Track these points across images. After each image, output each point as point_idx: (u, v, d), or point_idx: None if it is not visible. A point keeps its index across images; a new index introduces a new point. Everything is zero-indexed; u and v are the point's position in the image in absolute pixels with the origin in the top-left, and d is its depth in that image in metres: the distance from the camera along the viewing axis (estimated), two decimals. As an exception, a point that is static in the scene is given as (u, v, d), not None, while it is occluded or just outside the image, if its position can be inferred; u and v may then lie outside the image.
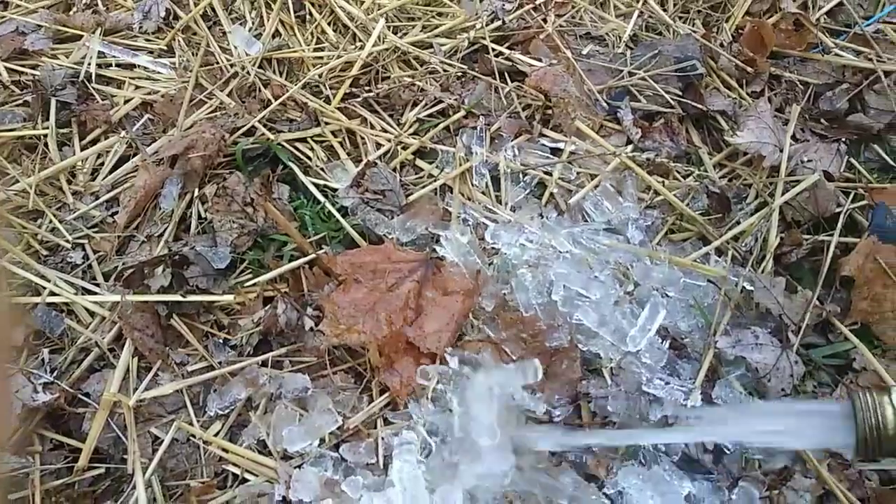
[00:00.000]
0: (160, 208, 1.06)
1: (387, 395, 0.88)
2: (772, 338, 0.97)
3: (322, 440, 0.87)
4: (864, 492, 0.91)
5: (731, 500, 0.88)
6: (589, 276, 1.03)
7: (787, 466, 0.93)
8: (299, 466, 0.84)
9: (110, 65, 1.27)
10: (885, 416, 0.65)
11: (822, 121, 1.25)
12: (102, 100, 1.21)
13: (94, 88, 1.22)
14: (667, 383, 0.94)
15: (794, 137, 1.21)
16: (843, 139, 1.22)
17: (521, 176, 1.15)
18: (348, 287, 0.89)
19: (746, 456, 0.93)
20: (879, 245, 1.03)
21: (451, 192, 1.10)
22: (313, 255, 0.97)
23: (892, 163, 1.22)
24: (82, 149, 1.15)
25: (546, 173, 1.15)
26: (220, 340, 0.93)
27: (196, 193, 1.06)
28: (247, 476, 0.84)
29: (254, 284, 0.96)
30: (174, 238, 1.03)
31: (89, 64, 1.24)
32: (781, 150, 1.17)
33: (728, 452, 0.93)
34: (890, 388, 0.67)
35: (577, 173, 1.15)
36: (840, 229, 1.09)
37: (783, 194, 1.11)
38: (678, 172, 1.16)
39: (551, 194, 1.14)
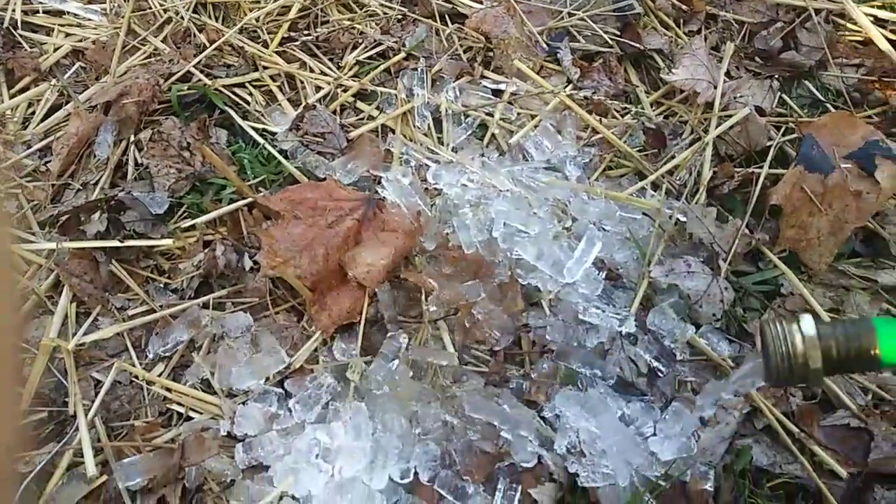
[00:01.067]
0: (95, 156, 1.04)
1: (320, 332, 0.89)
2: (703, 266, 1.01)
3: (266, 378, 0.88)
4: (789, 406, 0.96)
5: (664, 419, 0.92)
6: (528, 212, 1.05)
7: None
8: (244, 403, 0.85)
9: (37, 11, 1.22)
10: (794, 343, 0.67)
11: (757, 59, 1.28)
12: (31, 47, 1.17)
13: (20, 36, 1.17)
14: (603, 311, 0.97)
15: (728, 75, 1.23)
16: (776, 76, 1.26)
17: (462, 117, 1.15)
18: (287, 222, 0.89)
19: (680, 378, 0.98)
20: (806, 174, 1.07)
21: (393, 134, 1.10)
22: (252, 199, 0.97)
23: (821, 98, 1.26)
24: (11, 97, 1.12)
25: (487, 114, 1.15)
26: (161, 285, 0.93)
27: (131, 140, 1.04)
28: (191, 414, 0.85)
29: (192, 227, 0.96)
30: (110, 185, 1.01)
31: (14, 10, 1.19)
32: (715, 87, 1.20)
33: (661, 376, 0.97)
34: (799, 316, 0.69)
35: (518, 114, 1.17)
36: (770, 161, 1.13)
37: (716, 129, 1.15)
38: (616, 111, 1.18)
39: (492, 135, 1.15)
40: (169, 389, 0.85)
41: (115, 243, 0.92)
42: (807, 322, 0.68)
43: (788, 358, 0.68)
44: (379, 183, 1.05)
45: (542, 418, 0.91)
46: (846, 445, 0.94)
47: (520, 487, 0.86)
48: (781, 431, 0.93)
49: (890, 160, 1.11)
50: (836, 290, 1.07)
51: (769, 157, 1.13)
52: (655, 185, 1.11)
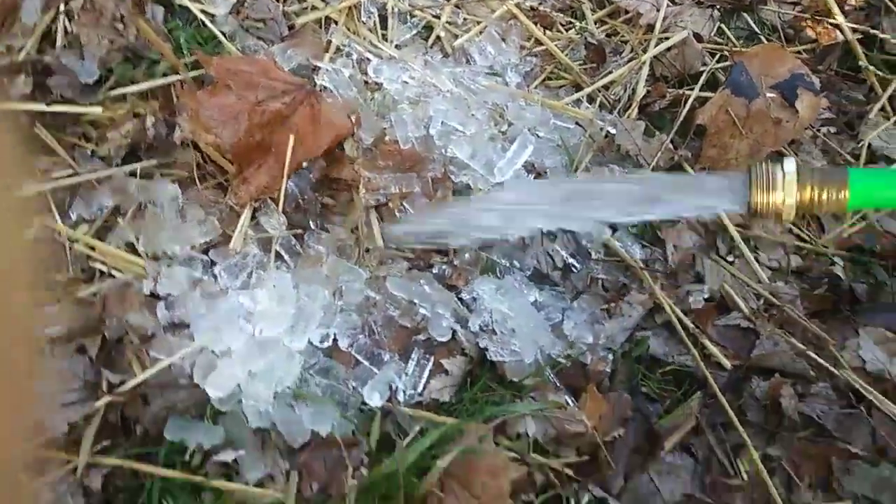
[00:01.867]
0: (21, 21, 1.01)
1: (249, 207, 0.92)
2: (622, 171, 1.07)
3: (192, 246, 0.90)
4: (688, 306, 1.04)
5: (573, 307, 0.99)
6: (466, 114, 1.08)
7: (625, 284, 1.05)
8: (168, 265, 0.88)
9: None
10: (775, 178, 0.75)
11: (700, -13, 1.31)
12: None
13: None
14: (525, 208, 1.02)
15: (672, 0, 1.27)
16: (717, 6, 1.30)
17: (408, 16, 1.16)
18: (217, 91, 0.90)
19: (592, 275, 1.05)
20: (732, 98, 1.13)
21: (336, 25, 1.10)
22: (183, 77, 0.97)
23: (757, 31, 1.31)
24: (-68, -45, 1.06)
25: (434, 16, 1.16)
26: (88, 151, 0.93)
27: (61, 8, 1.01)
28: (114, 273, 0.87)
29: (123, 98, 0.95)
30: (37, 52, 0.99)
31: None
32: (658, 10, 1.23)
33: (575, 271, 1.04)
34: (783, 158, 0.77)
35: (465, 18, 1.18)
36: (701, 86, 1.18)
37: (654, 49, 1.19)
38: (561, 24, 1.21)
39: (437, 37, 1.16)
40: (92, 248, 0.86)
41: (42, 107, 0.91)
42: (789, 163, 0.76)
43: (768, 191, 0.75)
44: (317, 72, 1.05)
45: (460, 300, 0.97)
46: (734, 343, 1.03)
47: (432, 358, 0.92)
48: (678, 327, 1.01)
49: (811, 93, 1.17)
50: (746, 207, 1.15)
51: (701, 81, 1.18)
52: (591, 99, 1.15)
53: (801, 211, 0.77)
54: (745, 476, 0.94)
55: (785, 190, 0.75)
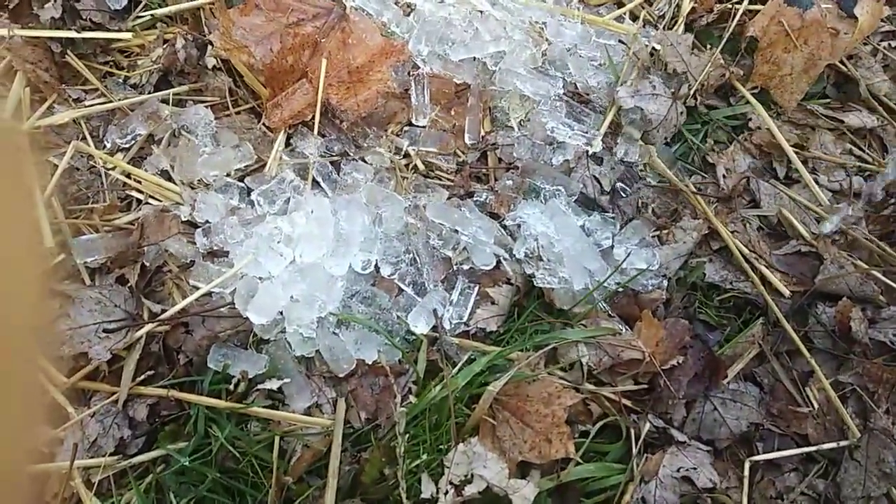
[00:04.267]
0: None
1: (283, 132, 0.88)
2: (665, 88, 1.00)
3: (228, 173, 0.87)
4: (746, 233, 0.98)
5: (622, 232, 0.94)
6: (503, 34, 1.03)
7: (676, 209, 1.00)
8: (205, 191, 0.85)
9: None
10: None
11: None
12: None
13: None
14: (571, 130, 0.97)
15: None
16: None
17: (440, -61, 1.10)
18: (248, 10, 0.86)
19: (641, 200, 0.99)
20: (785, 8, 1.05)
21: (366, -52, 1.05)
22: (215, -2, 0.93)
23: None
24: None
25: (466, -62, 1.10)
26: (120, 80, 0.90)
27: (87, -63, 0.98)
28: (150, 201, 0.84)
29: (153, 25, 0.92)
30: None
31: None
32: (704, -77, 1.15)
33: (623, 196, 0.99)
34: None
35: (499, -61, 1.12)
36: (750, -1, 1.11)
37: (701, -38, 1.11)
38: (600, -59, 1.14)
39: (471, -42, 1.10)
40: (128, 175, 0.84)
41: (72, 34, 0.88)
42: None
43: None
44: (348, -3, 1.01)
45: (504, 227, 0.92)
46: (795, 268, 0.97)
47: (477, 287, 0.88)
48: (736, 252, 0.95)
49: (871, -2, 1.09)
50: (803, 128, 1.08)
51: (750, -6, 1.11)
52: (634, 16, 1.08)
53: None
54: (814, 404, 0.88)
55: None
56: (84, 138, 0.86)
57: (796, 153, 1.03)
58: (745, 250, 0.96)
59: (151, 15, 0.91)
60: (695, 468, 0.83)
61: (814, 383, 0.90)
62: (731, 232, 0.98)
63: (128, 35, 0.89)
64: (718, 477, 0.82)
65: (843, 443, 0.86)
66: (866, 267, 0.95)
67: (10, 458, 0.28)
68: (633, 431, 0.84)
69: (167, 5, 0.92)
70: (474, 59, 1.01)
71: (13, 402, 0.28)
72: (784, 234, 1.00)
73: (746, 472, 0.84)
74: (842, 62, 1.09)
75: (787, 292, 0.94)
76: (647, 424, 0.85)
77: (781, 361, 0.92)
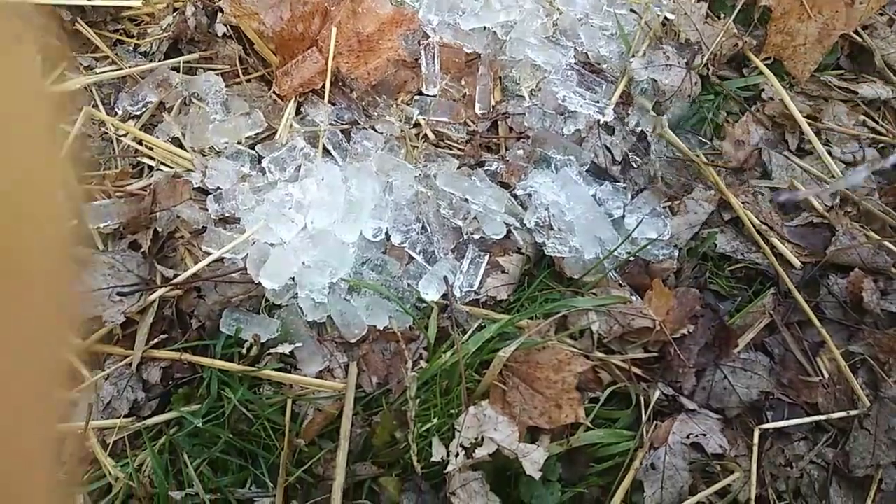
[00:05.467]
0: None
1: (293, 99, 0.88)
2: (679, 58, 0.99)
3: (238, 141, 0.87)
4: (757, 205, 0.98)
5: (633, 202, 0.94)
6: (514, 4, 1.02)
7: (688, 180, 0.99)
8: (216, 157, 0.85)
9: None
10: None
11: None
12: None
13: None
14: (583, 99, 0.96)
15: None
16: None
17: None
18: (257, -25, 0.86)
19: (653, 170, 0.99)
20: (800, -23, 1.04)
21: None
22: (225, -34, 0.93)
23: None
24: None
25: None
26: (130, 48, 0.90)
27: None
28: (162, 167, 0.84)
29: (162, -7, 0.92)
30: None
31: None
32: None
33: (635, 166, 0.98)
34: None
35: None
36: (765, -32, 1.09)
37: (714, -68, 1.10)
38: (612, -89, 1.12)
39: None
40: (140, 142, 0.84)
41: (83, 1, 0.88)
42: None
43: None
44: (358, -35, 1.00)
45: (514, 197, 0.92)
46: (807, 240, 0.97)
47: (487, 256, 0.88)
48: (747, 222, 0.95)
49: (888, -32, 1.07)
50: (816, 99, 1.07)
51: (764, -37, 1.09)
52: (645, -15, 1.07)
53: None
54: (825, 373, 0.88)
55: None
56: (95, 105, 0.86)
57: (809, 124, 1.02)
58: (757, 221, 0.96)
59: (162, -16, 0.91)
60: (704, 435, 0.83)
61: (824, 353, 0.89)
62: (743, 203, 0.98)
63: (138, 3, 0.89)
64: (728, 444, 0.83)
65: (852, 412, 0.86)
66: (878, 238, 0.95)
67: (36, 415, 0.28)
68: (642, 399, 0.84)
69: (177, -28, 0.92)
70: (485, 28, 1.00)
71: (39, 359, 0.28)
72: (796, 205, 1.00)
73: (756, 440, 0.84)
74: (856, 32, 1.08)
75: (798, 263, 0.94)
76: (657, 392, 0.85)
77: (792, 332, 0.92)
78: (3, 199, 0.24)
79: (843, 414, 0.86)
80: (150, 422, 0.76)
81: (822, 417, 0.86)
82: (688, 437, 0.83)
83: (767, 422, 0.86)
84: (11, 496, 0.25)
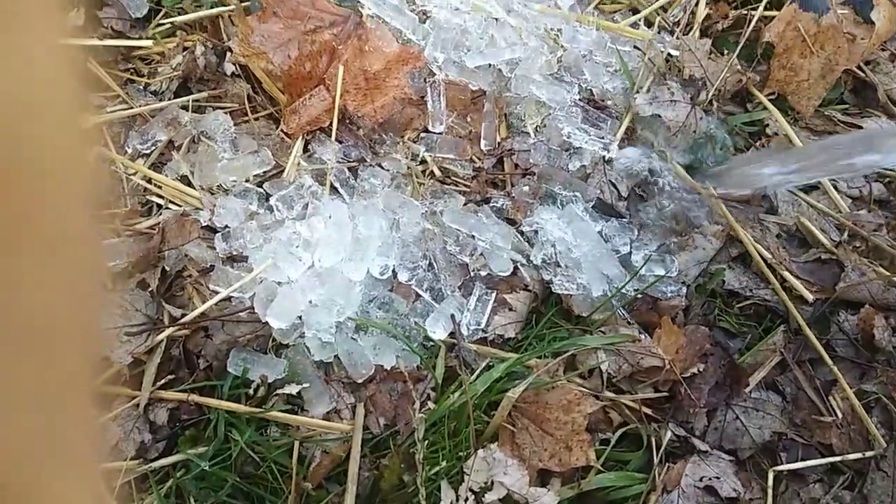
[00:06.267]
0: (69, -39, 0.99)
1: (301, 137, 0.89)
2: (684, 94, 1.00)
3: (246, 179, 0.88)
4: (765, 240, 0.98)
5: (639, 239, 0.94)
6: (519, 41, 1.03)
7: (695, 215, 0.99)
8: (224, 195, 0.85)
9: None
10: None
11: None
12: None
13: None
14: (588, 135, 0.97)
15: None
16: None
17: (456, -54, 1.11)
18: (267, 17, 0.87)
19: (659, 205, 0.99)
20: (801, 13, 1.05)
21: (383, -44, 1.06)
22: (233, 6, 0.94)
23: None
24: None
25: (482, -54, 1.11)
26: (140, 86, 0.91)
27: (109, -54, 1.00)
28: (170, 206, 0.85)
29: (173, 34, 0.93)
30: (86, -10, 0.98)
31: None
32: (719, -70, 1.16)
33: (642, 202, 0.98)
34: None
35: (514, -53, 1.12)
36: (766, 4, 1.10)
37: (715, -31, 1.11)
38: (614, -52, 1.14)
39: (486, -35, 1.11)
40: (149, 180, 0.84)
41: (94, 41, 0.89)
42: None
43: None
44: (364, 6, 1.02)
45: (521, 233, 0.92)
46: (816, 275, 0.96)
47: (495, 293, 0.88)
48: (757, 258, 0.95)
49: (889, 1, 1.09)
50: (821, 134, 1.07)
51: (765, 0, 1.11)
52: (649, 22, 1.08)
53: None
54: (838, 413, 0.87)
55: None
56: (106, 144, 0.86)
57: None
58: (767, 255, 0.95)
59: (171, 23, 0.92)
60: (717, 477, 0.81)
61: (837, 392, 0.88)
62: (752, 239, 0.97)
63: (148, 42, 0.91)
64: (742, 487, 0.81)
65: (868, 453, 0.84)
66: (888, 274, 0.94)
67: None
68: (653, 440, 0.83)
69: (187, 13, 0.94)
70: (490, 65, 1.01)
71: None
72: (804, 241, 1.00)
73: (770, 483, 0.82)
74: (859, 67, 1.09)
75: (811, 298, 0.93)
76: (669, 433, 0.84)
77: (804, 370, 0.91)
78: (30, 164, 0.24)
79: (858, 455, 0.84)
80: (156, 464, 0.75)
81: (838, 459, 0.84)
82: (701, 479, 0.81)
83: (781, 463, 0.85)
84: None
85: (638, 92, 1.00)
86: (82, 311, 0.27)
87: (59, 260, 0.25)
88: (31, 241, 0.24)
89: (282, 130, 0.89)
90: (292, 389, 0.78)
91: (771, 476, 0.83)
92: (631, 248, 0.93)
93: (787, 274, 0.94)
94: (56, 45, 0.26)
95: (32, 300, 0.24)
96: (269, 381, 0.79)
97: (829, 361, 0.89)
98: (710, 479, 0.81)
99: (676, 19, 1.08)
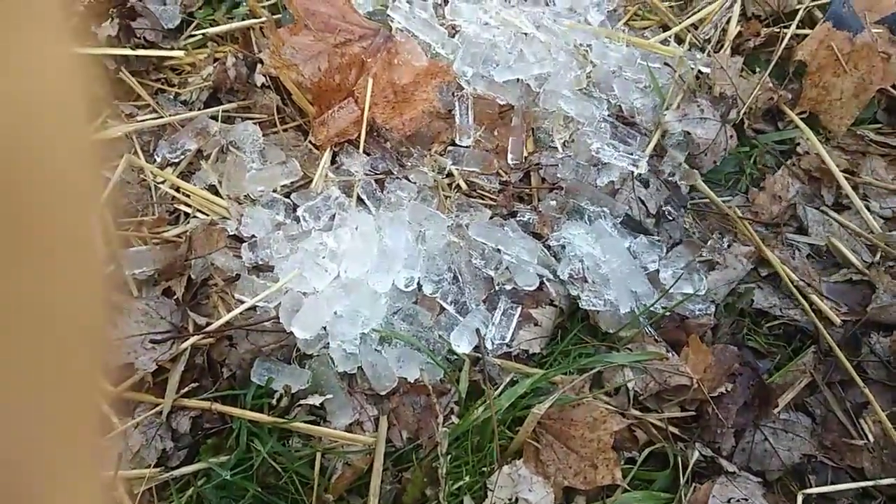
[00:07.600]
0: (105, -29, 1.01)
1: (329, 149, 0.89)
2: (714, 111, 0.99)
3: (274, 189, 0.88)
4: (795, 265, 0.96)
5: (668, 256, 0.93)
6: (548, 56, 1.03)
7: (722, 234, 0.98)
8: (252, 205, 0.85)
9: None
10: None
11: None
12: None
13: None
14: (616, 151, 0.96)
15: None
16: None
17: (485, -40, 1.12)
18: (297, 29, 0.88)
19: (688, 224, 0.98)
20: (834, 32, 1.04)
21: (412, -30, 1.07)
22: (265, 18, 0.95)
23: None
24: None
25: (511, -40, 1.12)
26: (171, 96, 0.92)
27: (143, -43, 1.02)
28: (198, 215, 0.85)
29: (204, 45, 0.94)
30: None
31: None
32: (749, -53, 1.15)
33: (670, 219, 0.97)
34: None
35: (543, -39, 1.13)
36: (798, 23, 1.09)
37: (747, -15, 1.11)
38: (644, -36, 1.14)
39: (515, -21, 1.11)
40: (177, 189, 0.85)
41: (127, 51, 0.90)
42: None
43: None
44: (391, 18, 1.02)
45: (547, 248, 0.91)
46: (846, 297, 0.95)
47: (520, 308, 0.87)
48: (785, 278, 0.93)
49: (925, 23, 1.07)
50: (853, 154, 1.06)
51: (797, 18, 1.10)
52: (679, 39, 1.08)
53: None
54: (869, 437, 0.85)
55: None
56: (135, 152, 0.87)
57: (847, 178, 1.01)
58: (795, 277, 0.94)
59: (203, 34, 0.93)
60: (746, 499, 0.80)
61: (868, 415, 0.86)
62: (780, 259, 0.96)
63: (180, 53, 0.92)
64: (771, 511, 0.79)
65: (901, 479, 0.82)
66: (923, 297, 0.92)
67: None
68: (680, 460, 0.82)
69: (218, 25, 0.95)
70: (518, 80, 1.01)
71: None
72: (834, 262, 0.98)
73: (800, 507, 0.80)
74: (893, 87, 1.07)
75: (838, 321, 0.91)
76: (696, 453, 0.82)
77: (834, 392, 0.89)
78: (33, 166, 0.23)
79: (891, 480, 0.82)
80: (178, 472, 0.75)
81: (870, 483, 0.82)
82: (728, 501, 0.80)
83: (811, 486, 0.83)
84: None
85: (668, 109, 0.99)
86: (86, 314, 0.27)
87: (61, 262, 0.25)
88: (31, 243, 0.23)
89: (310, 142, 0.89)
90: (315, 400, 0.78)
91: (800, 499, 0.81)
92: (659, 265, 0.92)
93: (815, 296, 0.93)
94: (66, 50, 0.26)
95: (33, 301, 0.24)
96: (293, 391, 0.78)
97: (861, 383, 0.87)
98: (737, 500, 0.79)
99: (707, 36, 1.07)
